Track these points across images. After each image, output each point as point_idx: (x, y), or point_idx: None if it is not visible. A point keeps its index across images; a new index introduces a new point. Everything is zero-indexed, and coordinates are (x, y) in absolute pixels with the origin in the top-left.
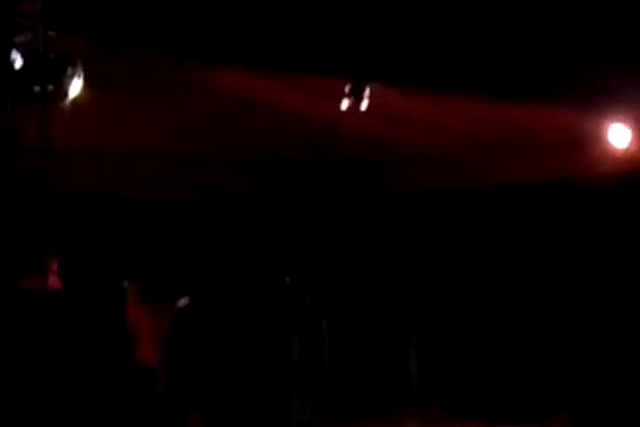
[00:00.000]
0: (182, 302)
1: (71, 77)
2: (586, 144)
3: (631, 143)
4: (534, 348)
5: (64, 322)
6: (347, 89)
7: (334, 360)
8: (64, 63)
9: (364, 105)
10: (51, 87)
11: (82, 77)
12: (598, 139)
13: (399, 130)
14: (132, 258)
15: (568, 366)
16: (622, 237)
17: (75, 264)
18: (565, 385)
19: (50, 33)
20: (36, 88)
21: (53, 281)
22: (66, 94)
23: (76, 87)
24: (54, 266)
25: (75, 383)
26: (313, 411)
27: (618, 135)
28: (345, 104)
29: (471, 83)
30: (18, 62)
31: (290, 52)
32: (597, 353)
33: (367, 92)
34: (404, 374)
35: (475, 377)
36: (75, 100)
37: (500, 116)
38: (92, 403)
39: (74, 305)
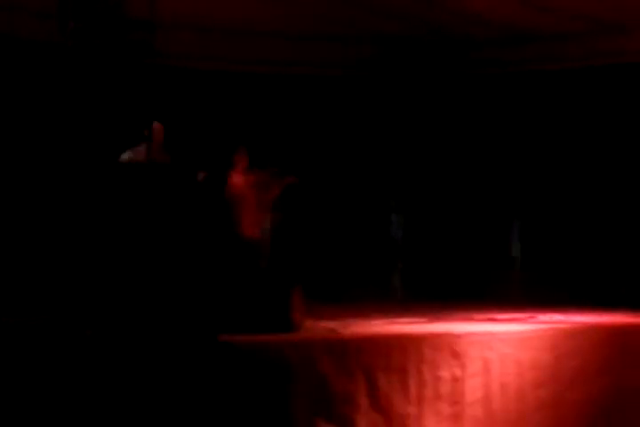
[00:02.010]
0: (290, 177)
1: None
2: None
3: None
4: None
5: (168, 193)
6: None
7: (436, 241)
8: None
9: None
10: None
11: None
12: None
13: (512, 7)
14: (236, 131)
15: None
16: None
17: (180, 137)
18: None
19: None
20: None
21: (159, 153)
22: None
23: None
24: (160, 138)
25: (178, 256)
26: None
27: None
28: None
29: None
30: None
31: None
32: None
33: None
34: (506, 257)
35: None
36: None
37: None
38: (196, 276)
39: (178, 177)
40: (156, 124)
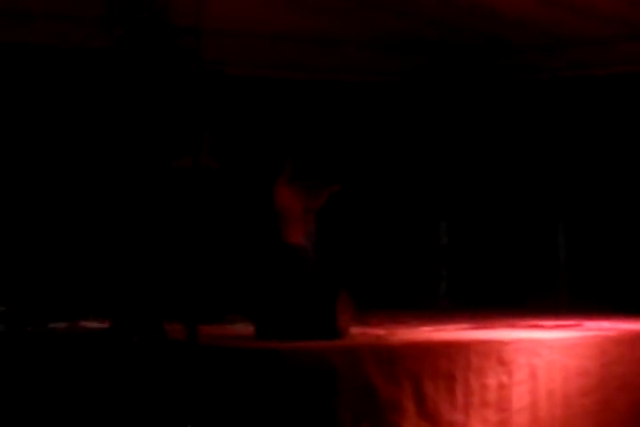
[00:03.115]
0: (335, 185)
1: None
2: None
3: None
4: None
5: (215, 200)
6: None
7: (482, 247)
8: None
9: None
10: None
11: None
12: None
13: (553, 12)
14: (284, 139)
15: None
16: None
17: (228, 143)
18: None
19: None
20: None
21: (207, 160)
22: None
23: None
24: (208, 144)
25: (224, 263)
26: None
27: None
28: None
29: None
30: None
31: None
32: None
33: None
34: (552, 262)
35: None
36: None
37: None
38: (241, 282)
39: (225, 184)
40: (203, 131)
